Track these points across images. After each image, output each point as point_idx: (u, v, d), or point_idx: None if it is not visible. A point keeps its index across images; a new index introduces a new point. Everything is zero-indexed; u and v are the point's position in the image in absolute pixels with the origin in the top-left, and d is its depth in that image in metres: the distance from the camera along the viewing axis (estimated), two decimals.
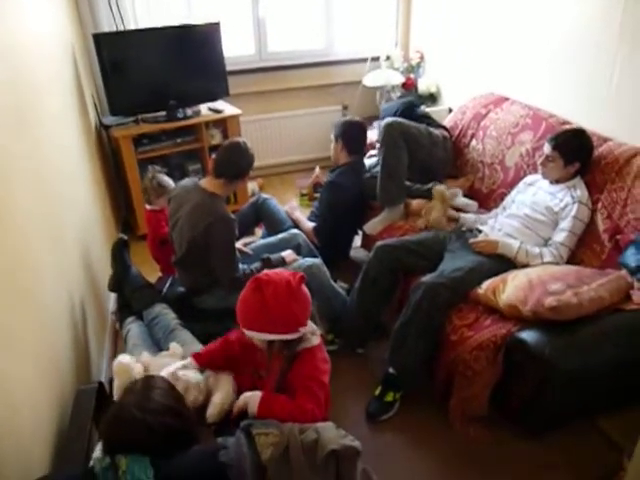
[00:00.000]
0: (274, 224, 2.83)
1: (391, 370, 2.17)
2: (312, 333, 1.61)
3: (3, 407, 1.15)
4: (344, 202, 2.85)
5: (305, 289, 1.60)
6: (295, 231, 2.67)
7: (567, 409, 1.98)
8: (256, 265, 2.30)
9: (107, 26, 3.39)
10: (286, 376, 1.52)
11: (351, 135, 2.91)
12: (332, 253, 2.80)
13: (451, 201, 2.73)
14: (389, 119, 2.81)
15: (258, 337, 1.54)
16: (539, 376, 1.83)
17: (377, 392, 2.18)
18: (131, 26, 3.50)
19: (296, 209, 3.03)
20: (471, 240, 2.33)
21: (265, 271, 1.61)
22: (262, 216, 2.89)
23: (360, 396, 2.23)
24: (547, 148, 2.33)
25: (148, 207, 2.73)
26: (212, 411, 1.50)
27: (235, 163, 2.24)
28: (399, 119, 2.82)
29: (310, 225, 2.87)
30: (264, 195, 2.95)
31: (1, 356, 1.20)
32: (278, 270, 1.64)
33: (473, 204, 2.82)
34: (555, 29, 2.80)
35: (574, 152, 2.29)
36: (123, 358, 1.66)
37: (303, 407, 1.38)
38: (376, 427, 2.12)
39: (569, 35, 2.71)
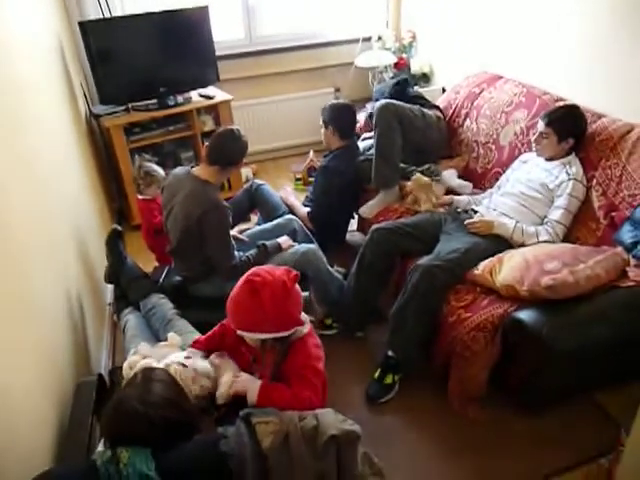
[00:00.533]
0: (269, 210, 2.82)
1: (390, 353, 2.18)
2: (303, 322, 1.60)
3: (2, 404, 1.15)
4: (339, 186, 2.83)
5: (298, 287, 1.58)
6: (290, 216, 2.66)
7: (565, 387, 1.99)
8: (252, 252, 2.29)
9: (93, 13, 3.33)
10: (280, 368, 1.51)
11: (341, 119, 2.87)
12: (327, 238, 2.79)
13: (433, 184, 2.68)
14: (383, 101, 2.78)
15: (252, 337, 1.53)
16: (537, 355, 1.84)
17: (376, 375, 2.19)
18: (118, 13, 3.44)
19: (291, 194, 3.01)
20: (467, 221, 2.33)
21: (256, 270, 1.57)
22: (256, 202, 2.87)
23: (360, 379, 2.24)
24: (541, 125, 2.31)
25: (140, 197, 2.71)
26: (222, 391, 1.48)
27: (228, 150, 2.23)
28: (393, 101, 2.79)
29: (305, 210, 2.86)
30: (258, 181, 2.93)
31: None
32: (269, 268, 1.60)
33: (467, 185, 2.81)
34: (547, 4, 2.76)
35: (568, 128, 2.28)
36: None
37: (300, 395, 1.38)
38: (376, 410, 2.13)
39: (561, 11, 2.67)
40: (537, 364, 1.87)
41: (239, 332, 1.54)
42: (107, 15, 3.35)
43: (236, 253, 2.24)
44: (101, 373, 1.76)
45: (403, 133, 2.74)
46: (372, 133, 2.89)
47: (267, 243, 2.33)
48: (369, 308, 2.47)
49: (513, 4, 3.02)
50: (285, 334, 1.51)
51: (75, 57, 3.35)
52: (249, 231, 2.63)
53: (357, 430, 1.19)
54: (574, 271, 1.87)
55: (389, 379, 2.17)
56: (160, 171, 2.67)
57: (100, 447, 1.26)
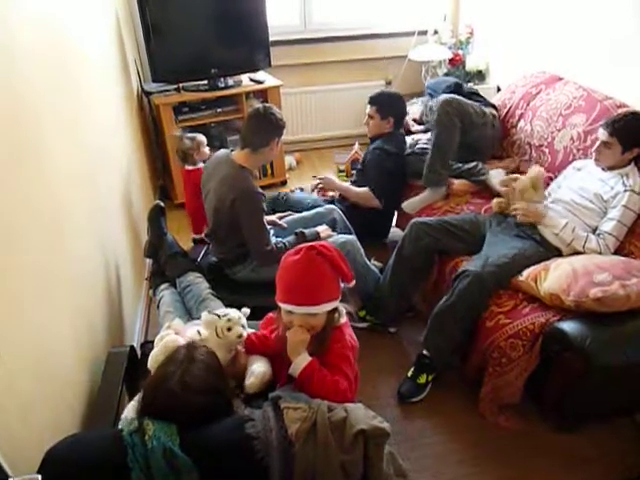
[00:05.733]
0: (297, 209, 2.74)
1: (425, 352, 2.14)
2: (341, 311, 1.53)
3: (38, 369, 1.18)
4: (390, 169, 2.79)
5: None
6: (331, 206, 2.63)
7: (605, 404, 1.90)
8: (290, 239, 2.27)
9: None
10: (318, 356, 1.44)
11: (401, 111, 2.89)
12: (372, 231, 2.77)
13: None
14: (447, 96, 2.68)
15: (311, 311, 1.39)
16: (577, 369, 1.76)
17: (410, 373, 2.15)
18: None
19: (334, 180, 2.94)
20: (517, 204, 2.22)
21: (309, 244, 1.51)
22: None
23: (389, 376, 2.21)
24: (603, 134, 2.17)
25: (189, 167, 2.76)
26: (253, 380, 1.43)
27: (255, 131, 2.16)
28: (456, 96, 2.69)
29: (360, 189, 2.82)
30: (282, 192, 2.92)
31: (40, 318, 1.22)
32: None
33: None
34: (613, 5, 2.62)
35: (634, 137, 2.14)
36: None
37: (338, 386, 1.33)
38: (405, 409, 2.09)
39: (628, 12, 2.53)
40: (576, 378, 1.78)
41: (295, 308, 1.40)
42: None
43: (273, 239, 2.23)
44: (133, 345, 1.78)
45: (462, 131, 2.65)
46: (422, 127, 2.81)
47: (305, 231, 2.31)
48: (404, 303, 2.43)
49: (578, 3, 2.88)
50: (335, 304, 1.46)
51: (131, 33, 3.39)
52: (289, 218, 2.61)
53: (387, 428, 1.15)
54: (626, 285, 1.78)
55: (422, 379, 2.12)
56: (199, 134, 2.74)
57: (126, 412, 1.26)
